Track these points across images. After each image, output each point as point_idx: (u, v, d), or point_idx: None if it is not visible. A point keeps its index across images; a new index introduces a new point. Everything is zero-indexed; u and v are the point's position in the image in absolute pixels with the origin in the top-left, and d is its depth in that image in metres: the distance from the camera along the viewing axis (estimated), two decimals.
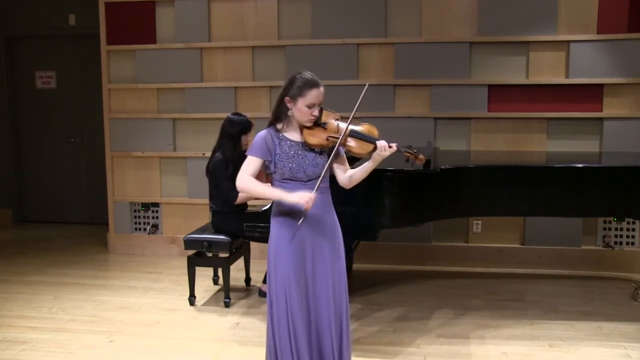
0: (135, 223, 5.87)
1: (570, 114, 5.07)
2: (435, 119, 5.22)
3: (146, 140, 5.72)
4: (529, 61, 5.10)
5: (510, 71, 5.15)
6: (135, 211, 5.86)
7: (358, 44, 5.30)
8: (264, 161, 2.67)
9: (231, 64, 5.53)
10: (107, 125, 5.79)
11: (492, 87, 5.16)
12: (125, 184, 5.83)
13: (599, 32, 4.97)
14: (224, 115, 5.39)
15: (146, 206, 5.82)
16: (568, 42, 5.02)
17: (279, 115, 2.70)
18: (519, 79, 5.14)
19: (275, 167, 2.66)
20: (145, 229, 5.86)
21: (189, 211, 5.68)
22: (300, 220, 2.59)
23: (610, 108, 5.05)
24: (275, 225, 2.73)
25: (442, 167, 3.80)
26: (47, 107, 7.01)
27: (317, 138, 2.66)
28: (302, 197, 2.54)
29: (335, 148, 2.64)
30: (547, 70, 5.09)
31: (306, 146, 2.68)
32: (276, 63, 5.44)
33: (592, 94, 5.05)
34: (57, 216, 7.11)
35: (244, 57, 5.50)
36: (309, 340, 2.69)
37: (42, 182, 7.12)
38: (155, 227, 5.82)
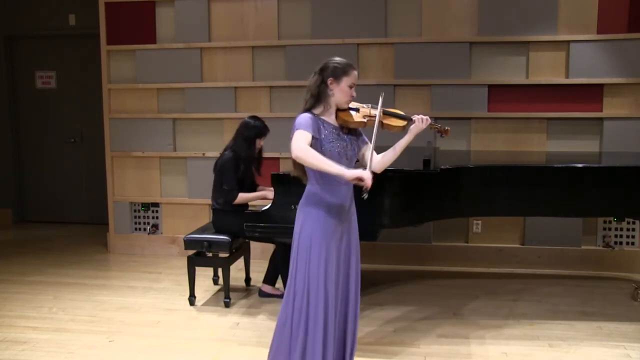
0: (135, 223, 5.87)
1: (570, 114, 5.07)
2: (435, 119, 5.19)
3: (146, 140, 5.72)
4: (529, 61, 5.10)
5: (510, 71, 5.15)
6: (135, 211, 5.86)
7: (358, 44, 5.30)
8: (313, 138, 2.64)
9: (231, 64, 5.53)
10: (107, 125, 5.79)
11: (492, 87, 5.16)
12: (125, 184, 5.83)
13: (599, 32, 4.97)
14: (224, 115, 5.44)
15: (146, 206, 5.82)
16: (568, 42, 5.02)
17: (319, 98, 2.72)
18: (519, 79, 5.14)
19: (322, 149, 2.66)
20: (145, 229, 5.86)
21: (189, 211, 5.68)
22: (365, 195, 2.57)
23: (610, 108, 5.05)
24: (313, 214, 2.71)
25: (442, 167, 3.81)
26: (47, 107, 7.01)
27: (356, 118, 2.76)
28: (362, 173, 2.52)
29: (377, 123, 2.73)
30: (547, 70, 5.09)
31: (343, 130, 2.77)
32: (276, 63, 5.44)
33: (592, 94, 5.05)
34: (57, 216, 7.11)
35: (244, 57, 5.50)
36: (335, 328, 2.75)
37: (42, 182, 7.12)
38: (155, 227, 5.82)
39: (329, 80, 2.71)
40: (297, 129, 2.62)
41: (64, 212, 7.10)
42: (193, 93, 5.59)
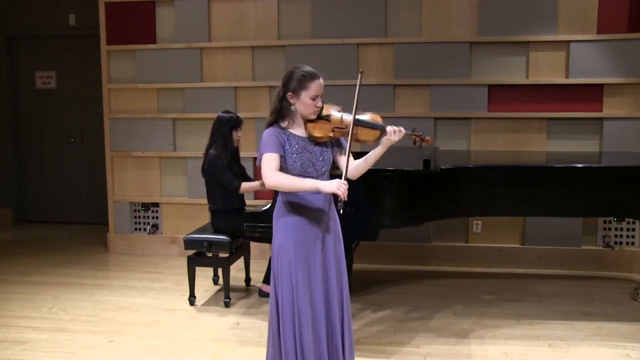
0: (135, 223, 5.87)
1: (570, 114, 5.07)
2: (435, 119, 5.22)
3: (146, 140, 5.72)
4: (529, 61, 5.10)
5: (510, 71, 5.15)
6: (135, 211, 5.86)
7: (358, 44, 5.30)
8: (280, 156, 2.64)
9: (231, 64, 5.53)
10: (107, 125, 5.79)
11: (492, 87, 5.16)
12: (125, 184, 5.83)
13: (599, 32, 4.97)
14: None
15: (146, 206, 5.82)
16: (568, 42, 5.02)
17: (282, 112, 2.68)
18: (519, 79, 5.14)
19: (285, 163, 2.65)
20: (145, 229, 5.86)
21: (189, 211, 5.68)
22: (340, 208, 2.57)
23: (610, 108, 5.05)
24: (282, 225, 2.72)
25: (442, 167, 3.81)
26: (47, 107, 7.01)
27: (322, 131, 2.68)
28: (339, 186, 2.50)
29: (350, 137, 2.64)
30: (547, 70, 5.09)
31: (312, 140, 2.69)
32: (276, 63, 5.44)
33: (592, 94, 5.05)
34: (57, 216, 7.11)
35: (244, 57, 5.50)
36: (315, 338, 2.70)
37: (42, 182, 7.12)
38: (155, 227, 5.82)
39: (289, 95, 2.65)
40: (262, 153, 2.63)
41: (64, 212, 7.10)
42: (193, 93, 5.59)
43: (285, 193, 2.71)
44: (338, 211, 2.60)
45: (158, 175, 5.76)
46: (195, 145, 5.63)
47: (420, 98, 5.26)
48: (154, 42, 5.64)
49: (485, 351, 3.54)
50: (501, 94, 5.16)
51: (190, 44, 5.55)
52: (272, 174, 2.59)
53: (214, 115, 5.44)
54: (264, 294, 4.48)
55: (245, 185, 4.28)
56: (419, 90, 5.26)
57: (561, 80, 5.07)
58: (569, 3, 5.00)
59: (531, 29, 5.05)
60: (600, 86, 5.03)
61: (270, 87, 5.44)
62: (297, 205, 2.69)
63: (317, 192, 2.62)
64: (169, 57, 5.59)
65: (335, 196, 2.58)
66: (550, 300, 4.38)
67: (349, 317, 2.83)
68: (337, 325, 2.76)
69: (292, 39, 5.40)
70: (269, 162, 2.61)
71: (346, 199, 2.51)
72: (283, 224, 2.72)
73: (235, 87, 5.53)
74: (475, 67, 5.18)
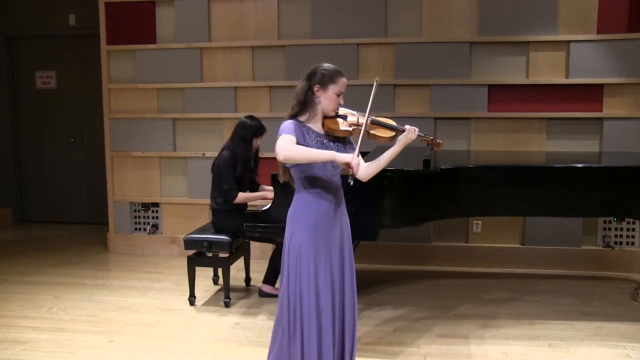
0: (135, 223, 5.87)
1: (570, 114, 5.07)
2: (435, 119, 5.22)
3: (146, 140, 5.72)
4: (529, 61, 5.10)
5: (510, 71, 5.15)
6: (135, 211, 5.86)
7: (358, 44, 5.30)
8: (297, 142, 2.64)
9: (231, 64, 5.53)
10: (107, 125, 5.79)
11: (492, 87, 5.16)
12: (125, 184, 5.83)
13: (599, 32, 4.97)
14: (224, 115, 5.45)
15: (146, 206, 5.82)
16: (568, 42, 5.02)
17: (305, 105, 2.70)
18: (519, 79, 5.14)
19: None
20: (145, 229, 5.86)
21: (189, 211, 5.68)
22: (351, 181, 2.58)
23: (610, 108, 5.05)
24: (301, 224, 2.70)
25: (442, 167, 3.81)
26: (47, 107, 7.01)
27: (341, 126, 2.73)
28: (353, 158, 2.51)
29: (363, 131, 2.68)
30: (547, 70, 5.09)
31: (329, 137, 2.74)
32: (276, 63, 5.45)
33: (592, 94, 5.05)
34: (57, 216, 7.11)
35: (244, 57, 5.50)
36: (330, 336, 2.70)
37: (42, 182, 7.12)
38: (155, 227, 5.82)
39: (316, 88, 2.69)
40: (280, 135, 2.63)
41: (64, 212, 7.10)
42: (193, 93, 5.59)
43: (301, 193, 2.71)
44: (348, 184, 2.61)
45: (158, 175, 5.76)
46: (196, 145, 5.63)
47: (420, 98, 5.26)
48: (154, 42, 5.64)
49: (485, 351, 3.55)
50: (501, 94, 5.16)
51: (190, 44, 5.55)
52: (287, 145, 2.55)
53: (214, 115, 5.51)
54: (264, 294, 4.48)
55: (242, 195, 4.32)
56: (419, 90, 5.26)
57: (561, 80, 5.07)
58: (569, 3, 5.00)
59: (531, 29, 5.05)
60: (600, 86, 5.03)
61: (270, 87, 5.45)
62: (313, 203, 2.69)
63: (330, 178, 2.66)
64: (169, 57, 5.59)
65: (343, 177, 2.62)
66: (550, 300, 4.39)
67: (356, 315, 2.87)
68: (350, 323, 2.79)
69: (292, 39, 5.40)
70: (287, 138, 2.59)
71: (357, 173, 2.56)
72: (301, 224, 2.70)
73: (235, 87, 5.53)
74: (475, 67, 5.18)
